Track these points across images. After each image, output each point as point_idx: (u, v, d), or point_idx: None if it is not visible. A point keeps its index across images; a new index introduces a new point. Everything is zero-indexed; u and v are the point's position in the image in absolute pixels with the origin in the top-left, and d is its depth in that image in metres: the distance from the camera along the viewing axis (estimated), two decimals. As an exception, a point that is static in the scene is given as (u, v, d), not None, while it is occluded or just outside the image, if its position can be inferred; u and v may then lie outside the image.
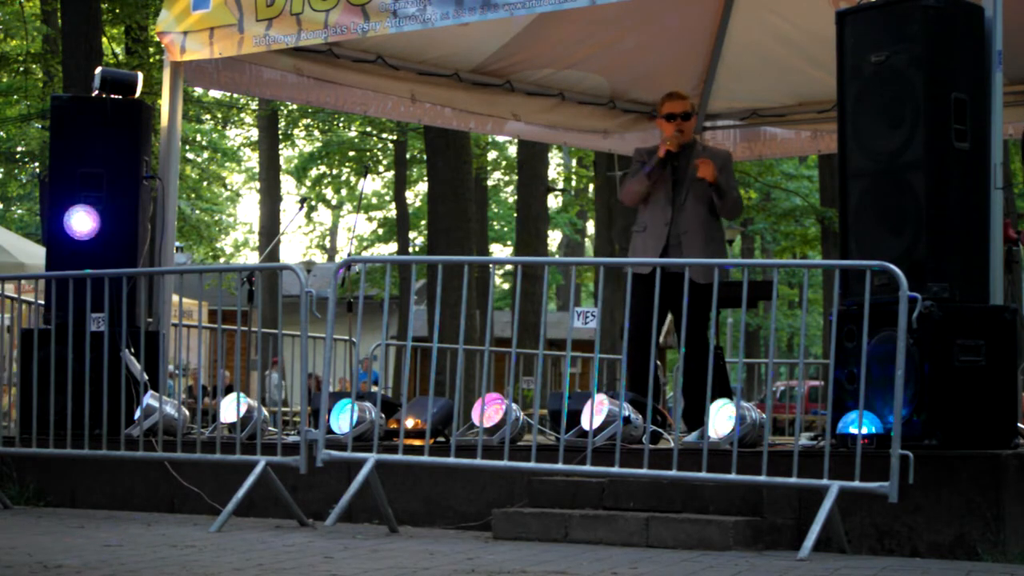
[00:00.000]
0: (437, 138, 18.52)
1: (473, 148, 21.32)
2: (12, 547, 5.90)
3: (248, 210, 61.64)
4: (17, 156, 23.11)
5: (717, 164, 8.26)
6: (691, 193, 8.29)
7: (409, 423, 7.69)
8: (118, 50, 21.29)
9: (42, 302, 9.04)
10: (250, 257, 45.69)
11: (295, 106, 28.25)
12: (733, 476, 6.33)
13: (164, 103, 9.40)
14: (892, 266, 6.23)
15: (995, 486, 6.18)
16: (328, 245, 47.30)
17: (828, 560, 5.91)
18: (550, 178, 22.84)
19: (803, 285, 6.89)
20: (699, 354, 7.43)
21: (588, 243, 42.47)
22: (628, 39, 10.39)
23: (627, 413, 7.10)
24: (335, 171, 35.62)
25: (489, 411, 7.32)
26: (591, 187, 27.64)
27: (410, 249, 31.71)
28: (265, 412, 7.85)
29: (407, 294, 20.30)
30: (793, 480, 6.24)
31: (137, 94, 9.15)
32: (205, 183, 33.79)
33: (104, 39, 18.31)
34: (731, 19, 10.76)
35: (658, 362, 8.57)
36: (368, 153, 33.24)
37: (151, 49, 19.33)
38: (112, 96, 8.98)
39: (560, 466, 6.74)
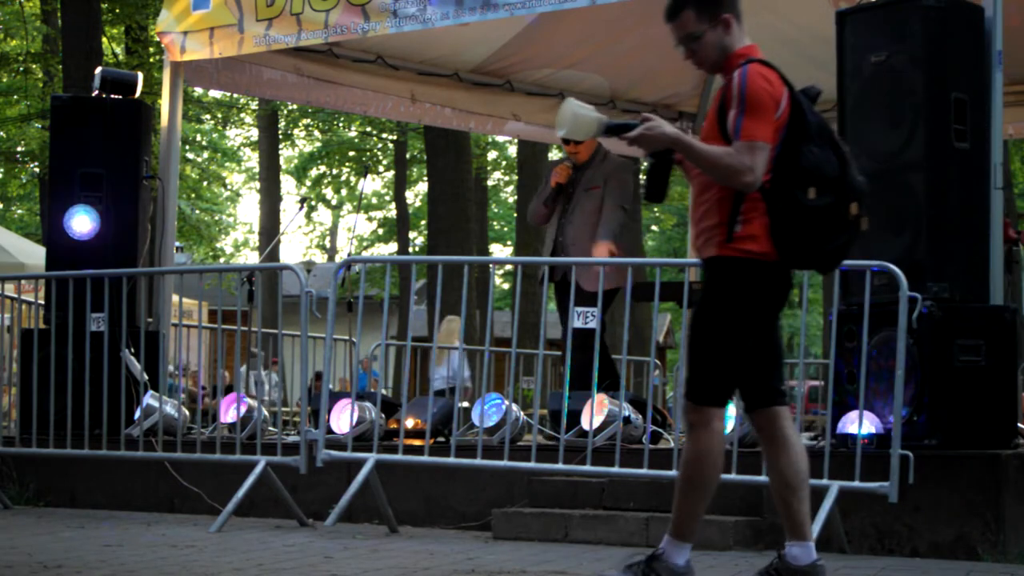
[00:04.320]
0: (437, 138, 18.53)
1: (473, 148, 21.31)
2: (12, 547, 5.90)
3: (248, 210, 61.62)
4: (17, 156, 23.09)
5: (606, 171, 8.32)
6: (579, 207, 8.36)
7: (409, 423, 7.69)
8: (118, 50, 21.28)
9: (42, 302, 9.04)
10: (250, 257, 45.66)
11: (295, 106, 28.24)
12: (733, 476, 6.33)
13: (164, 103, 9.40)
14: (892, 266, 6.23)
15: (995, 486, 6.18)
16: (328, 245, 47.25)
17: (828, 560, 5.87)
18: (550, 178, 22.84)
19: (803, 285, 6.89)
20: (585, 356, 7.39)
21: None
22: (628, 39, 10.39)
23: (627, 413, 7.10)
24: (335, 171, 35.59)
25: (489, 411, 7.32)
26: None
27: (410, 249, 31.69)
28: (265, 412, 7.85)
29: (407, 294, 20.31)
30: (793, 480, 6.23)
31: (137, 94, 9.15)
32: (205, 183, 33.75)
33: (104, 39, 18.30)
34: (731, 19, 10.75)
35: (657, 361, 8.55)
36: (368, 153, 33.22)
37: (151, 49, 19.32)
38: (112, 96, 8.98)
39: (560, 466, 6.74)
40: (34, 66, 20.94)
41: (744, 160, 4.40)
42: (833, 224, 4.48)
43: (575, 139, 4.77)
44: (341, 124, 32.10)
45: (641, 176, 8.57)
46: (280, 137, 30.94)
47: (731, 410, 6.86)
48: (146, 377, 8.26)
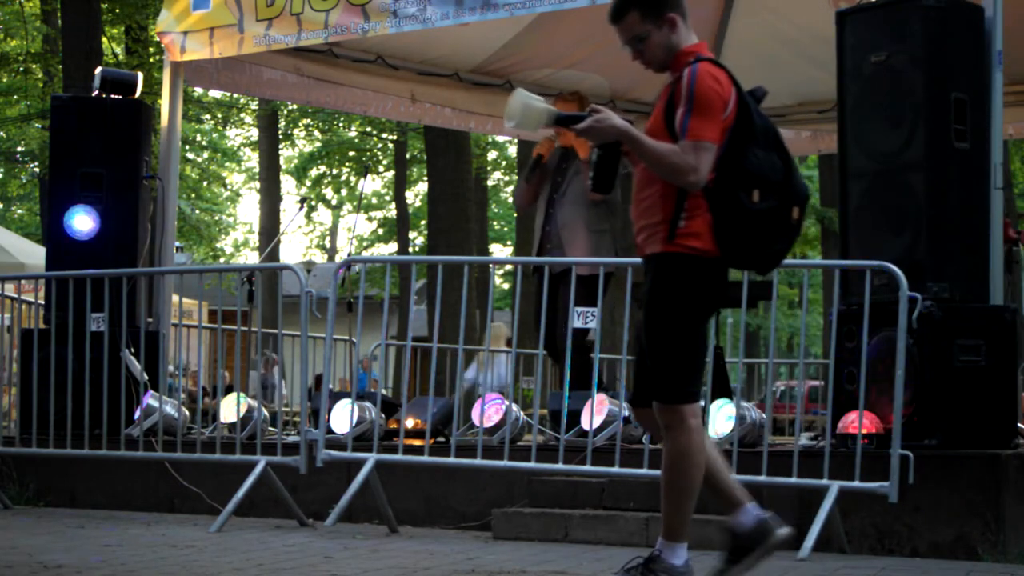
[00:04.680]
0: (437, 138, 18.51)
1: (473, 148, 21.28)
2: (12, 547, 5.90)
3: (248, 210, 61.57)
4: (17, 156, 23.10)
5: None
6: (570, 190, 8.32)
7: (409, 423, 7.69)
8: (118, 50, 21.27)
9: (42, 302, 9.03)
10: (250, 257, 45.64)
11: (295, 106, 28.20)
12: (733, 476, 6.32)
13: (164, 103, 9.40)
14: (892, 266, 6.23)
15: (995, 486, 6.18)
16: (328, 245, 47.24)
17: (828, 560, 5.91)
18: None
19: (803, 285, 6.89)
20: (583, 356, 7.37)
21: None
22: (628, 39, 10.39)
23: (627, 413, 7.10)
24: (335, 171, 35.56)
25: (489, 411, 7.32)
26: (591, 187, 27.48)
27: (410, 249, 31.68)
28: (265, 412, 7.85)
29: (407, 294, 20.30)
30: (793, 480, 6.24)
31: (137, 94, 9.15)
32: (205, 183, 33.74)
33: (104, 39, 18.29)
34: (731, 19, 10.75)
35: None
36: (368, 153, 33.20)
37: (151, 49, 19.31)
38: (112, 96, 8.98)
39: (560, 466, 6.74)
40: (34, 66, 20.92)
41: (689, 159, 4.43)
42: (775, 227, 4.53)
43: (525, 130, 4.77)
44: (341, 124, 32.07)
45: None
46: (280, 137, 30.92)
47: (731, 410, 6.87)
48: (146, 377, 8.26)
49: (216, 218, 40.26)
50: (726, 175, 4.48)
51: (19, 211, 33.91)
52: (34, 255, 14.50)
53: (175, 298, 9.34)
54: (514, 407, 7.27)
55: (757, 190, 4.48)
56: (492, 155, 33.17)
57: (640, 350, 4.68)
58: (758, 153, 4.51)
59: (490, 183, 33.87)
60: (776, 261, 4.64)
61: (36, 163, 21.72)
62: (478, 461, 6.86)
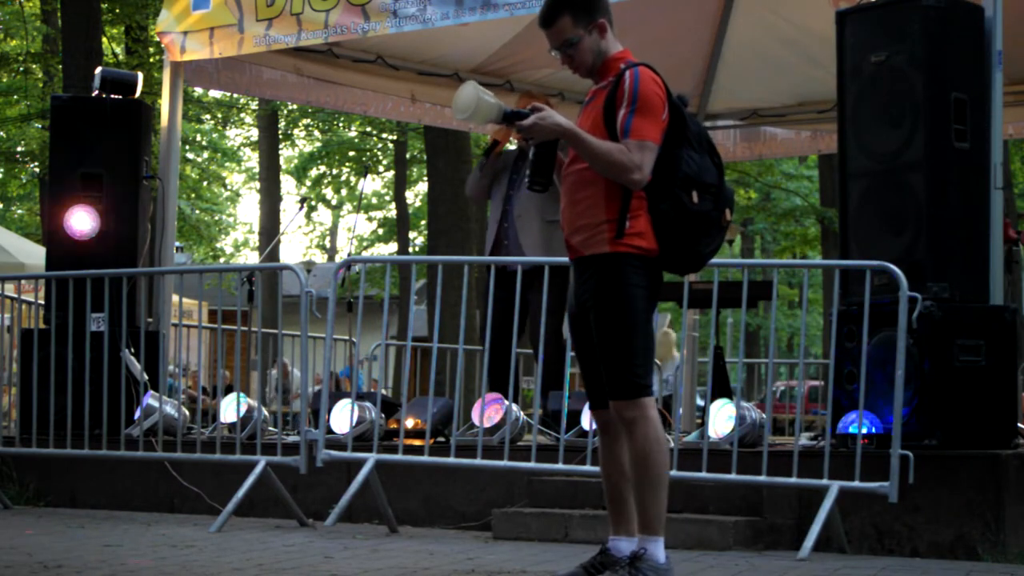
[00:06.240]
0: (437, 138, 18.51)
1: (473, 148, 21.29)
2: (12, 547, 5.90)
3: (248, 210, 61.62)
4: (17, 156, 23.06)
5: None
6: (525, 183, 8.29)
7: (409, 423, 7.69)
8: (118, 50, 21.27)
9: (42, 302, 9.04)
10: (250, 257, 45.64)
11: (295, 106, 28.20)
12: (733, 476, 6.33)
13: (164, 103, 9.40)
14: (892, 266, 6.24)
15: (995, 486, 6.18)
16: (328, 245, 47.24)
17: (828, 560, 5.91)
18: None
19: (803, 285, 6.89)
20: (551, 346, 7.38)
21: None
22: (628, 39, 10.34)
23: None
24: (335, 171, 35.55)
25: (489, 411, 7.32)
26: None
27: (410, 249, 31.67)
28: (265, 412, 7.85)
29: (407, 294, 20.29)
30: (793, 480, 6.24)
31: (137, 94, 9.15)
32: (205, 183, 33.73)
33: (104, 39, 18.29)
34: (731, 19, 10.75)
35: (658, 362, 8.51)
36: (368, 153, 33.18)
37: (151, 49, 19.31)
38: (112, 96, 8.97)
39: (560, 466, 6.74)
40: (34, 66, 20.92)
41: (635, 158, 4.51)
42: (710, 229, 4.65)
43: (474, 122, 4.84)
44: (341, 124, 32.06)
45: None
46: (280, 137, 30.90)
47: (731, 410, 6.88)
48: (146, 377, 8.26)
49: (216, 218, 40.25)
50: (664, 176, 4.57)
51: (19, 211, 33.87)
52: (34, 255, 14.50)
53: (175, 298, 9.34)
54: (514, 407, 7.27)
55: (695, 191, 4.59)
56: (492, 155, 33.12)
57: (587, 353, 4.73)
58: (694, 156, 4.62)
59: (490, 183, 33.82)
60: (704, 263, 4.75)
61: (36, 163, 21.69)
62: (478, 461, 6.86)
